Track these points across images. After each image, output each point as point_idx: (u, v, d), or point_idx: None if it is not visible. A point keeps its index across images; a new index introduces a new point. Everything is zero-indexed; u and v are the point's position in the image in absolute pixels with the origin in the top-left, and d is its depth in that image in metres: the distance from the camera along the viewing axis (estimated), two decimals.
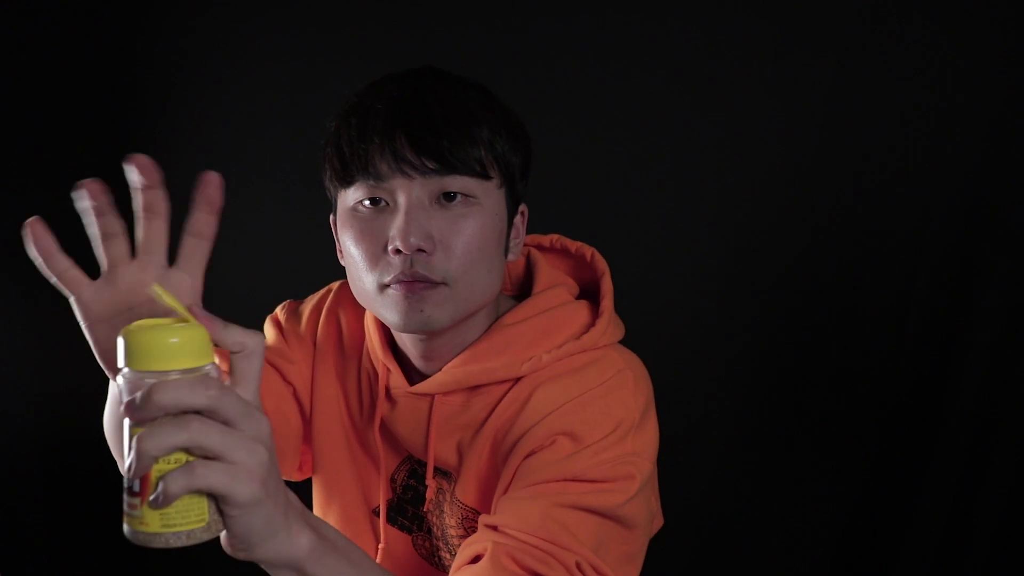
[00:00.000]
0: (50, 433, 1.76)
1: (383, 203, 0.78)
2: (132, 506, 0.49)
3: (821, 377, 1.64)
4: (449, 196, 0.77)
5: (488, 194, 0.79)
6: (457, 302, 0.78)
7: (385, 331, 0.90)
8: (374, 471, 0.93)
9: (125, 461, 0.48)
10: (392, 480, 0.92)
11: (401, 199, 0.77)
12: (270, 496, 0.50)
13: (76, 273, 0.59)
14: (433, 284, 0.77)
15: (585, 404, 0.80)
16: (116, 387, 0.68)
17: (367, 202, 0.78)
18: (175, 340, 0.48)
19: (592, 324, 0.85)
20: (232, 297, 1.75)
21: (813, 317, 1.63)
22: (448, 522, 0.88)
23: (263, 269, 1.73)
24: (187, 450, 0.47)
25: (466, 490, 0.85)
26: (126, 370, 0.49)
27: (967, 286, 1.55)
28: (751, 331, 1.65)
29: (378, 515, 0.93)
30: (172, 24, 1.68)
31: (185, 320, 0.51)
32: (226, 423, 0.48)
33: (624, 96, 1.59)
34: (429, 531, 0.91)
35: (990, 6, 1.47)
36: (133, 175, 0.57)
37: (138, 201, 0.59)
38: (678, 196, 1.62)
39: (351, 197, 0.80)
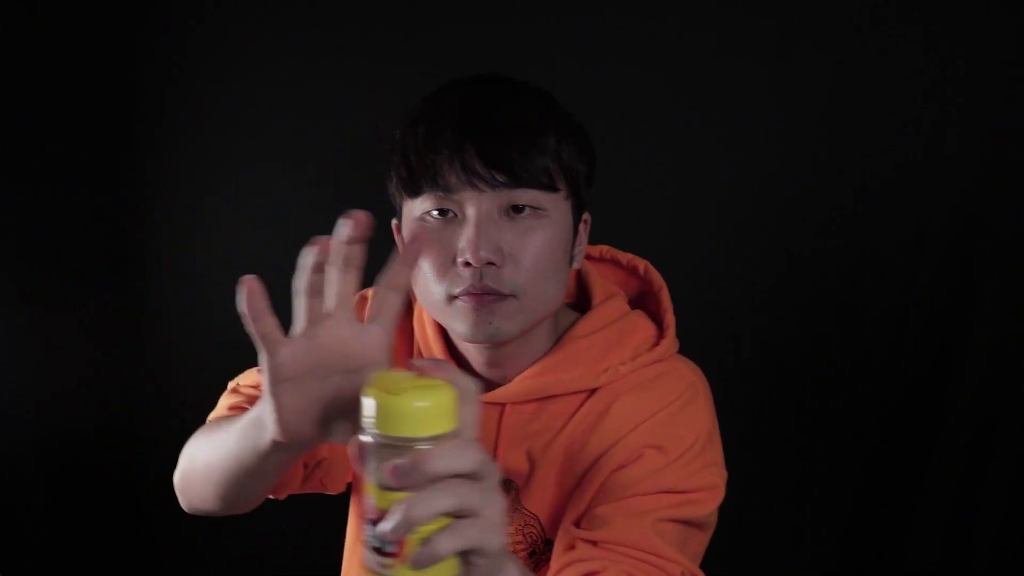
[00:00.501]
0: (50, 433, 1.76)
1: (451, 214, 0.78)
2: (384, 566, 0.50)
3: (821, 377, 1.64)
4: (517, 208, 0.78)
5: (555, 205, 0.80)
6: (526, 313, 0.80)
7: (445, 340, 0.90)
8: None
9: (386, 523, 0.49)
10: None
11: (470, 211, 0.77)
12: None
13: (277, 333, 0.58)
14: (502, 296, 0.78)
15: (668, 418, 0.83)
16: (250, 426, 0.65)
17: (435, 212, 0.79)
18: (431, 405, 0.50)
19: (656, 334, 0.89)
20: (232, 297, 1.75)
21: (813, 317, 1.63)
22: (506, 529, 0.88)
23: (263, 270, 1.73)
24: (450, 513, 0.49)
25: (532, 498, 0.87)
26: (376, 432, 0.50)
27: (967, 286, 1.55)
28: (750, 331, 1.65)
29: None
30: (172, 24, 1.68)
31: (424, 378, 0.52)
32: (478, 479, 0.50)
33: (623, 96, 1.59)
34: None
35: (990, 6, 1.47)
36: (346, 229, 0.55)
37: (339, 253, 0.56)
38: (677, 196, 1.62)
39: (418, 207, 0.80)
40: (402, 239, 0.84)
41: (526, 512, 0.87)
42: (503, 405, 0.86)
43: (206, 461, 0.77)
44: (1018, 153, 1.49)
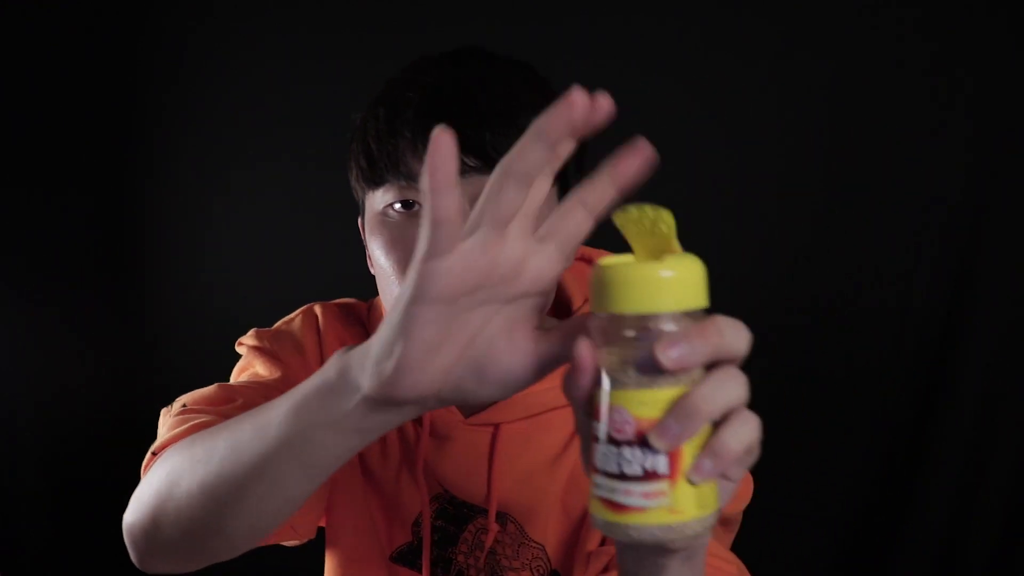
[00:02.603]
0: (50, 433, 1.76)
1: (417, 206, 0.69)
2: (651, 495, 0.39)
3: (821, 378, 1.64)
4: None
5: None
6: None
7: None
8: (389, 514, 0.84)
9: (669, 424, 0.38)
10: (415, 524, 0.82)
11: None
12: None
13: (458, 220, 0.41)
14: None
15: None
16: (316, 397, 0.48)
17: (398, 205, 0.69)
18: (678, 274, 0.40)
19: None
20: (231, 297, 1.76)
21: (813, 317, 1.63)
22: (509, 564, 0.80)
23: (264, 269, 1.72)
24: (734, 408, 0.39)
25: (536, 526, 0.78)
26: (624, 314, 0.39)
27: (967, 286, 1.55)
28: (750, 332, 1.64)
29: (397, 561, 0.83)
30: (172, 24, 1.68)
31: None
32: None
33: (622, 97, 1.59)
34: (460, 574, 0.82)
35: (991, 6, 1.47)
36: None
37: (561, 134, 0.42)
38: (675, 197, 1.61)
39: (380, 200, 0.71)
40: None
41: (533, 544, 0.79)
42: (495, 426, 0.77)
43: (213, 475, 0.54)
44: (1018, 153, 1.49)
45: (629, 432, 0.39)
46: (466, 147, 0.64)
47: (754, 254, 1.62)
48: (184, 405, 0.73)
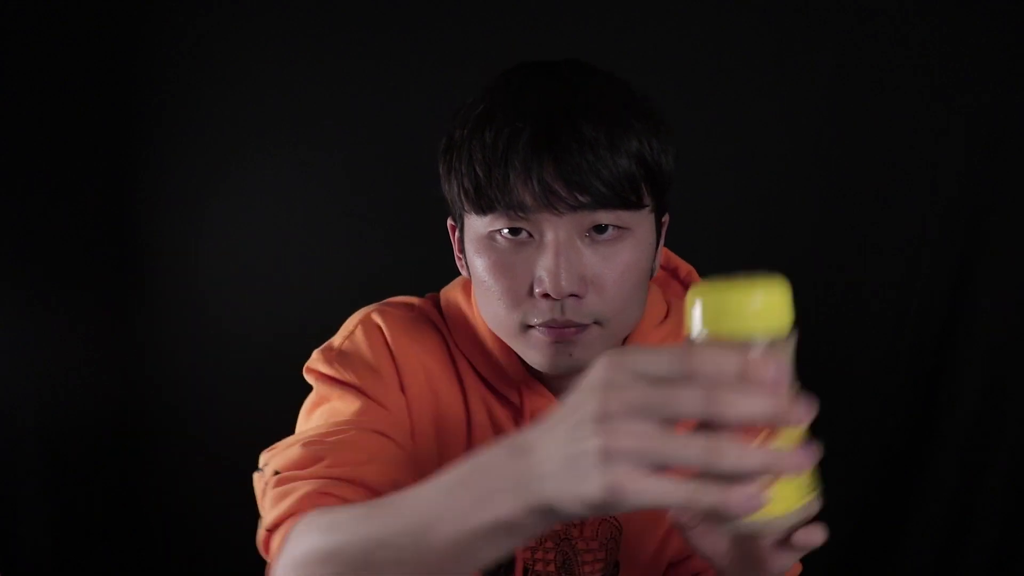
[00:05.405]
0: (50, 433, 1.76)
1: (524, 233, 0.70)
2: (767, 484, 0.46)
3: (820, 378, 1.64)
4: (599, 228, 0.70)
5: (639, 221, 0.73)
6: (606, 339, 0.73)
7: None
8: None
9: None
10: None
11: (549, 236, 0.69)
12: None
13: None
14: (584, 326, 0.71)
15: None
16: (503, 491, 0.48)
17: (506, 231, 0.71)
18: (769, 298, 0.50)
19: None
20: (232, 297, 1.76)
21: (812, 317, 1.63)
22: (587, 545, 0.82)
23: (263, 270, 1.73)
24: None
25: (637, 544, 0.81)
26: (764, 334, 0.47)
27: (967, 286, 1.55)
28: None
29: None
30: (171, 24, 1.68)
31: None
32: None
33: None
34: (526, 572, 0.83)
35: (990, 7, 1.48)
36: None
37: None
38: (675, 197, 1.62)
39: (485, 224, 0.72)
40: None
41: (612, 523, 0.80)
42: None
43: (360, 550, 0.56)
44: (1018, 152, 1.49)
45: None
46: (577, 184, 0.67)
47: (754, 254, 1.62)
48: (276, 472, 0.71)
